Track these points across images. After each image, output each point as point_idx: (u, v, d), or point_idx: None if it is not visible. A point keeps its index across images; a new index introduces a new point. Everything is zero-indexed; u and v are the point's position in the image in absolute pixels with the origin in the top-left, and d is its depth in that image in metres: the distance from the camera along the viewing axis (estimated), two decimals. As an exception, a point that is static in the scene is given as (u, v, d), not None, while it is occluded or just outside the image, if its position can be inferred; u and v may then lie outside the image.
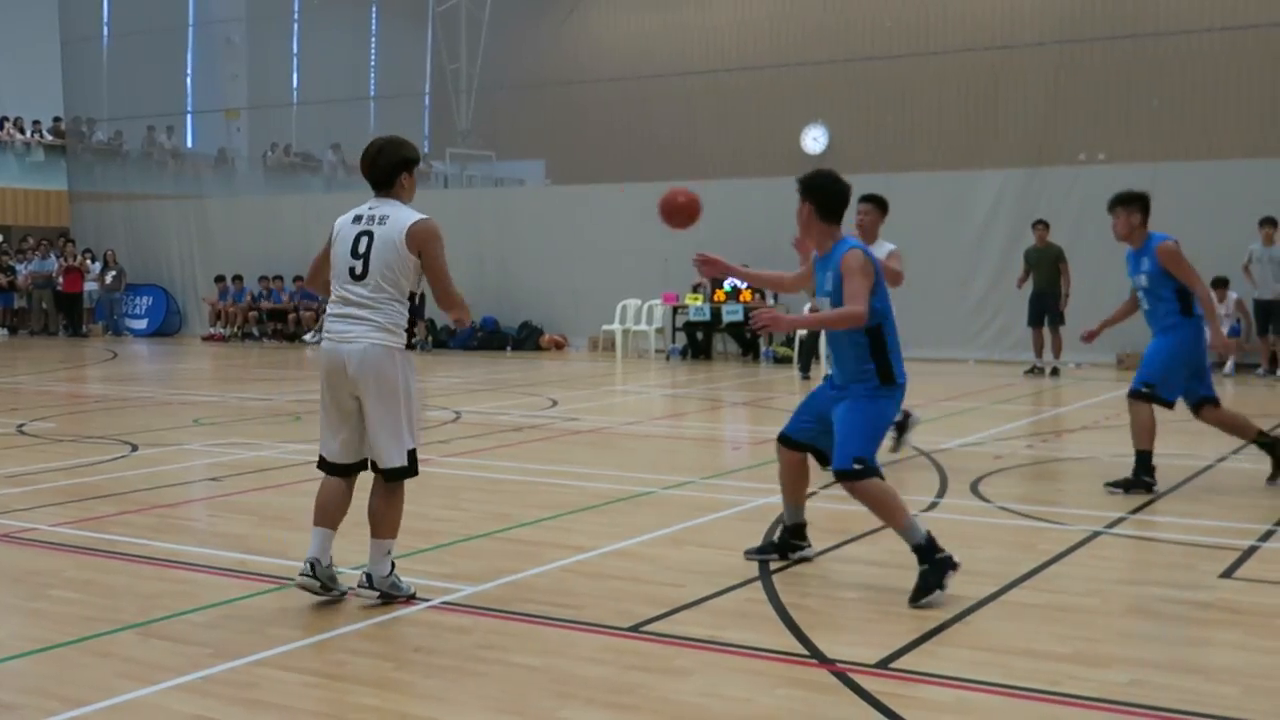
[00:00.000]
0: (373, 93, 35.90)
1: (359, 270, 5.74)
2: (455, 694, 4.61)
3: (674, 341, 21.95)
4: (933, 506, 8.18)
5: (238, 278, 26.48)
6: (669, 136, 30.16)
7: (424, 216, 5.85)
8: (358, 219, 5.87)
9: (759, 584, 6.13)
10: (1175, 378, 8.53)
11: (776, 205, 21.61)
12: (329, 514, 5.91)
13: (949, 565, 5.77)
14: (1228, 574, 6.37)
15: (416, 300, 5.92)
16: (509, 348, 23.33)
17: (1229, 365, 17.75)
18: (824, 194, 6.37)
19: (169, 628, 5.44)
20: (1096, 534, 7.28)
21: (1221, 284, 17.68)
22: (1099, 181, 18.81)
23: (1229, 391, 16.11)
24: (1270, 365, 17.38)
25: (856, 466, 6.00)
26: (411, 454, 5.85)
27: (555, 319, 23.52)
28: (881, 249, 10.47)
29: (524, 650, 5.13)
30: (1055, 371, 17.62)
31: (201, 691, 4.63)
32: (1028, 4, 28.00)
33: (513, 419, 12.94)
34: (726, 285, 21.07)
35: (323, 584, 5.68)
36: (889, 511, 5.99)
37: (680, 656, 5.03)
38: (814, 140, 31.08)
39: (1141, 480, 8.52)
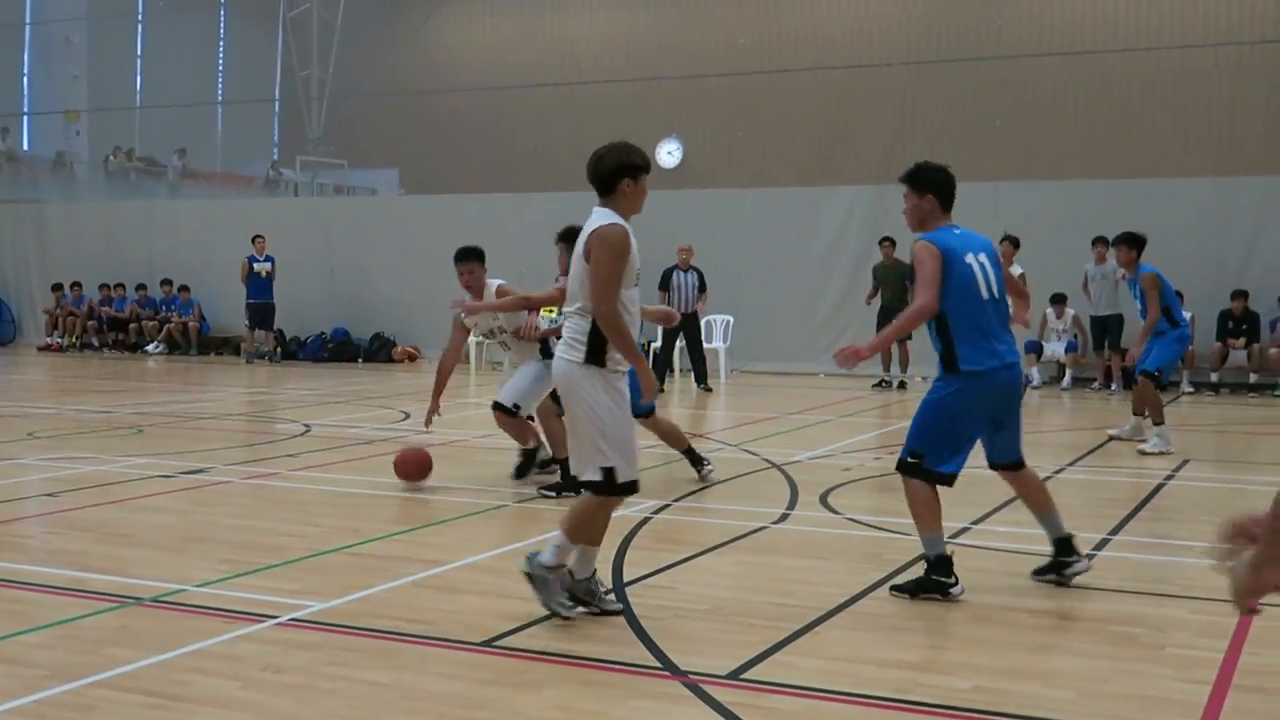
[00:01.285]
0: (220, 97, 35.22)
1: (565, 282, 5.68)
2: (304, 713, 4.54)
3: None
4: (784, 518, 8.29)
5: (76, 285, 25.65)
6: (525, 147, 30.17)
7: (610, 223, 5.55)
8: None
9: (611, 596, 6.15)
10: None
11: (635, 219, 21.76)
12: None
13: (944, 588, 6.00)
14: (1063, 582, 6.58)
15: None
16: (360, 359, 23.00)
17: (1067, 379, 18.35)
18: (947, 185, 6.41)
19: (2, 649, 5.25)
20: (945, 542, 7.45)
21: (1060, 300, 18.28)
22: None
23: (1066, 405, 16.68)
24: (1105, 380, 18.00)
25: (910, 460, 6.22)
26: (607, 472, 5.48)
27: (408, 330, 23.26)
28: None
29: (374, 666, 5.07)
30: (903, 385, 17.99)
31: (36, 715, 4.48)
32: (877, 26, 28.67)
33: (364, 432, 12.77)
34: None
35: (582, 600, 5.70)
36: (918, 516, 6.17)
37: (533, 670, 5.02)
38: (669, 154, 31.39)
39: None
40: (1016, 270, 15.18)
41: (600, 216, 5.57)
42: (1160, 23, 26.51)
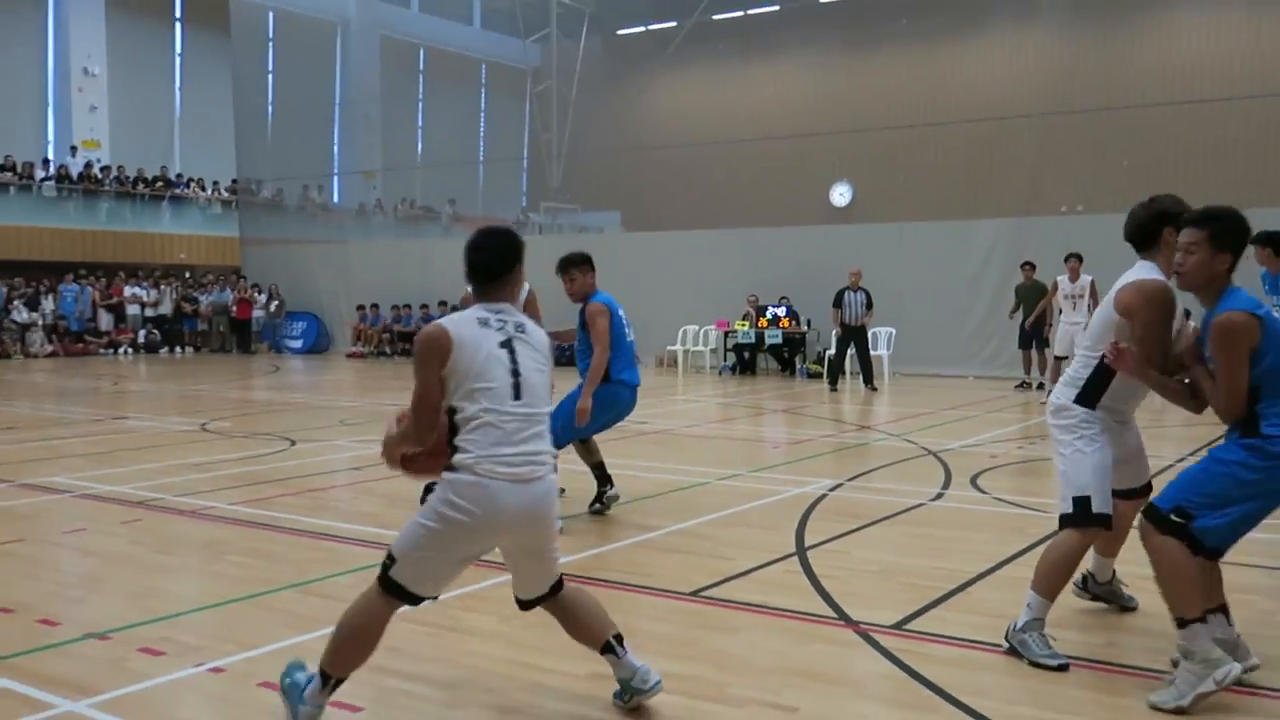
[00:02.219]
0: (481, 157, 36.30)
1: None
2: (550, 644, 4.64)
3: (725, 360, 21.91)
4: (939, 496, 8.10)
5: (374, 306, 26.83)
6: (720, 192, 30.22)
7: (1137, 284, 4.36)
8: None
9: (795, 559, 6.12)
10: None
11: (811, 248, 21.66)
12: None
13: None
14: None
15: None
16: (590, 364, 23.37)
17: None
18: (1241, 245, 4.18)
19: (321, 587, 5.53)
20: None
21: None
22: (1077, 228, 18.60)
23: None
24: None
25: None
26: (1080, 502, 4.42)
27: (627, 340, 23.51)
28: None
29: (606, 610, 5.15)
30: (1040, 386, 17.36)
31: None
32: (1017, 84, 27.75)
33: (594, 422, 13.00)
34: (768, 314, 21.00)
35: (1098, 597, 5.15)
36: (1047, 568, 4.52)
37: (731, 617, 5.04)
38: (840, 195, 30.98)
39: None
40: (1087, 279, 14.75)
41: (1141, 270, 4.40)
42: (1272, 70, 24.93)
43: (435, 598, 3.90)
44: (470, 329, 3.72)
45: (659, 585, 5.55)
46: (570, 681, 4.24)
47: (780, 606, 5.15)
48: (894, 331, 19.18)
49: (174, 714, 3.93)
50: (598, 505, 7.48)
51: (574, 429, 7.24)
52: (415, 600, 3.76)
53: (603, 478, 7.54)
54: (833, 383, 17.90)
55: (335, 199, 33.59)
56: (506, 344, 3.71)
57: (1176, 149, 25.52)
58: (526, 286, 7.63)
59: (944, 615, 5.06)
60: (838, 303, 17.53)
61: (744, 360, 21.49)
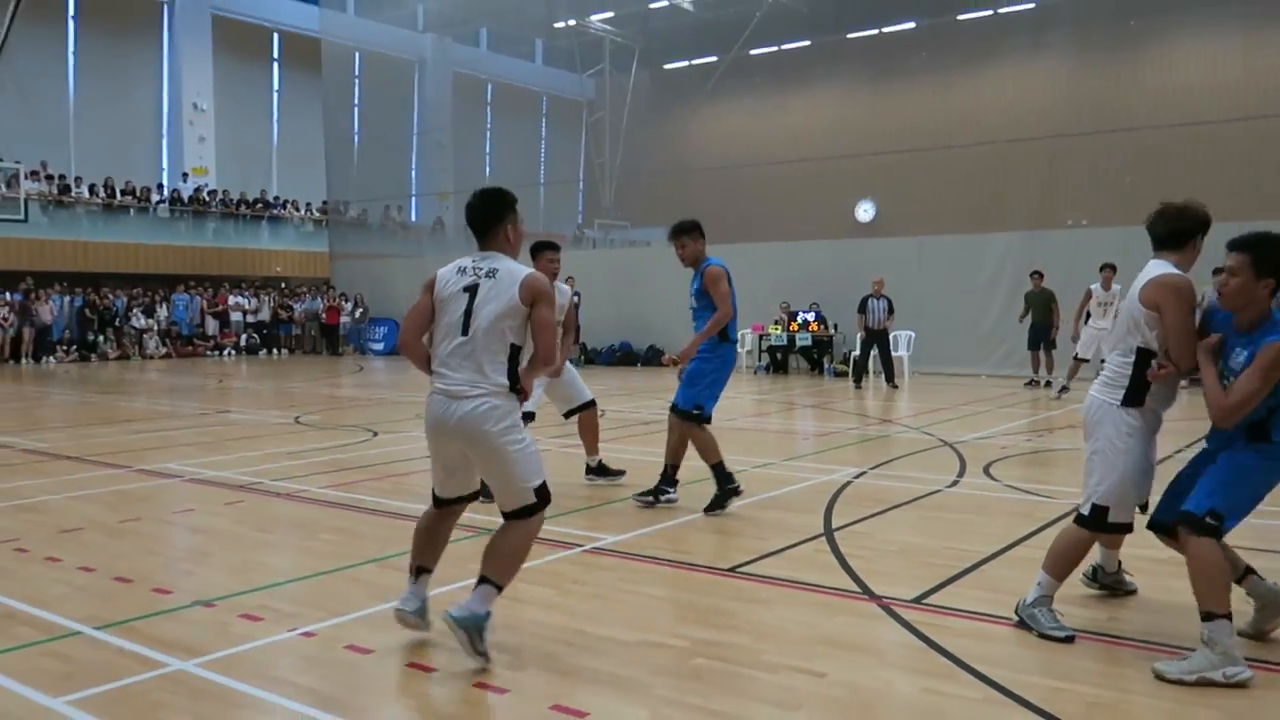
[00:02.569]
0: (542, 179, 36.49)
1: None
2: (603, 614, 4.66)
3: (760, 360, 21.83)
4: (954, 484, 8.01)
5: (446, 312, 27.07)
6: (756, 209, 30.12)
7: (1162, 279, 4.24)
8: None
9: (824, 539, 6.07)
10: None
11: (838, 259, 21.52)
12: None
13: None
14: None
15: None
16: (638, 364, 23.44)
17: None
18: None
19: (399, 561, 5.55)
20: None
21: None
22: (1082, 241, 18.32)
23: (1183, 399, 15.52)
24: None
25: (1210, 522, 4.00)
26: (1097, 510, 4.28)
27: (673, 343, 23.54)
28: None
29: (652, 584, 5.16)
30: (1048, 384, 17.11)
31: (422, 608, 4.74)
32: (1026, 109, 27.39)
33: (642, 415, 13.00)
34: (798, 319, 20.89)
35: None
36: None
37: (765, 591, 5.01)
38: (864, 212, 30.71)
39: None
40: (1118, 287, 14.25)
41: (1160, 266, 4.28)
42: (1267, 95, 24.39)
43: (443, 499, 4.29)
44: (449, 271, 4.16)
45: (701, 562, 5.54)
46: (621, 648, 4.23)
47: (810, 582, 5.12)
48: (913, 334, 19.00)
49: (271, 672, 3.98)
50: (717, 508, 6.81)
51: (710, 393, 7.06)
52: (435, 500, 4.32)
53: (724, 476, 6.87)
54: (857, 381, 17.77)
55: (413, 217, 33.92)
56: (471, 288, 4.03)
57: (1174, 168, 25.01)
58: (566, 290, 8.01)
59: (959, 591, 5.00)
60: (862, 308, 17.40)
61: (777, 360, 21.40)
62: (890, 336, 17.85)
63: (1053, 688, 3.75)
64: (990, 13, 28.38)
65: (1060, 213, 24.46)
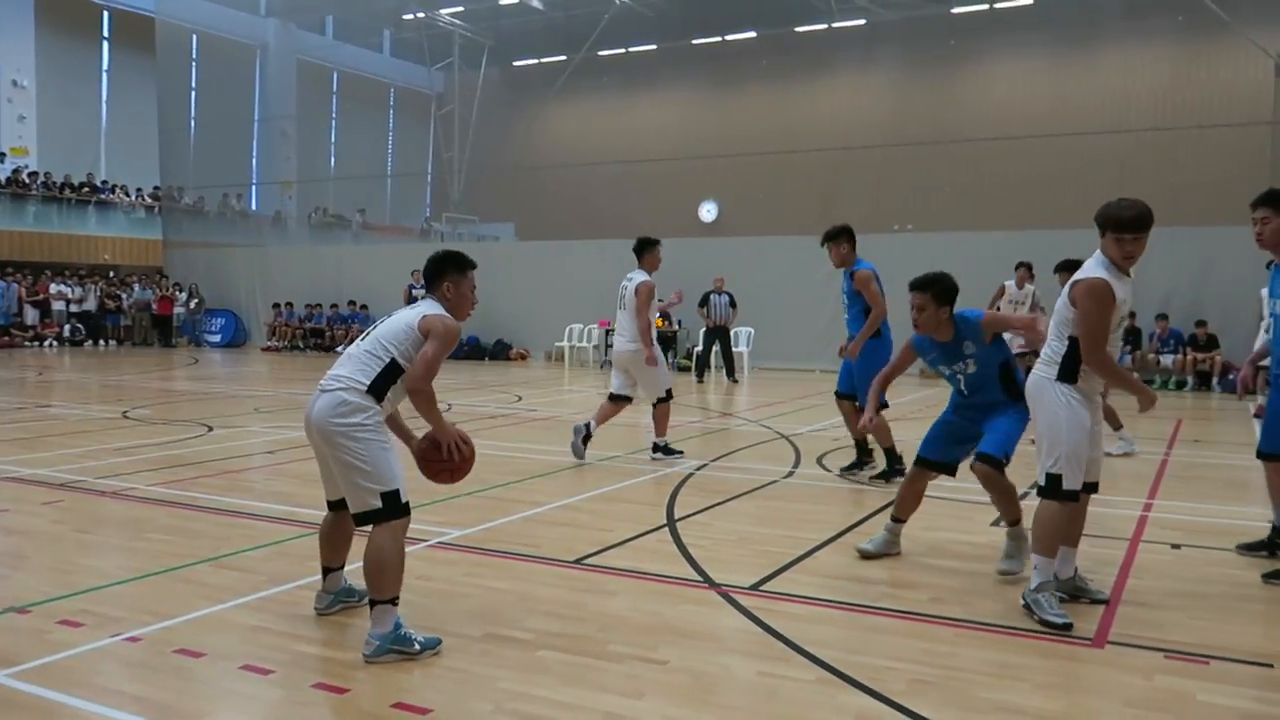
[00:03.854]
0: (389, 171, 35.59)
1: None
2: (448, 609, 4.57)
3: (606, 355, 21.93)
4: (790, 474, 8.23)
5: (289, 304, 26.02)
6: (604, 206, 30.25)
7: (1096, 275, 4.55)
8: None
9: (666, 530, 6.14)
10: None
11: (680, 258, 21.72)
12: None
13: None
14: (997, 523, 6.47)
15: None
16: (486, 358, 23.16)
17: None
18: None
19: (235, 561, 5.33)
20: (905, 494, 7.36)
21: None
22: (909, 245, 19.15)
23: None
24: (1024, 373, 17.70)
25: None
26: (1052, 479, 4.50)
27: (521, 337, 23.42)
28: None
29: (497, 577, 5.09)
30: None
31: (259, 608, 4.55)
32: (860, 119, 28.51)
33: (489, 409, 12.85)
34: (645, 315, 21.09)
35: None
36: None
37: (610, 582, 5.02)
38: (708, 211, 31.32)
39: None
40: (1030, 288, 14.31)
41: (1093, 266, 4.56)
42: (1068, 116, 26.12)
43: (329, 500, 4.36)
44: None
45: (547, 554, 5.50)
46: (466, 643, 4.15)
47: (653, 572, 5.16)
48: (753, 331, 19.46)
49: (93, 681, 3.73)
50: (875, 476, 7.83)
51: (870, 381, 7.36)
52: (328, 503, 4.42)
53: (894, 458, 7.76)
54: (699, 376, 18.07)
55: (253, 206, 32.48)
56: (386, 316, 4.29)
57: (991, 178, 26.53)
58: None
59: (793, 577, 5.14)
60: (704, 304, 17.70)
61: (623, 355, 21.53)
62: (731, 333, 18.22)
63: (880, 667, 3.90)
64: (825, 26, 29.35)
65: (888, 218, 25.53)
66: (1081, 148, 25.23)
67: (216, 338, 27.18)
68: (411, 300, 22.14)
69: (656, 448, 8.88)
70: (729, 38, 31.05)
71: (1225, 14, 21.28)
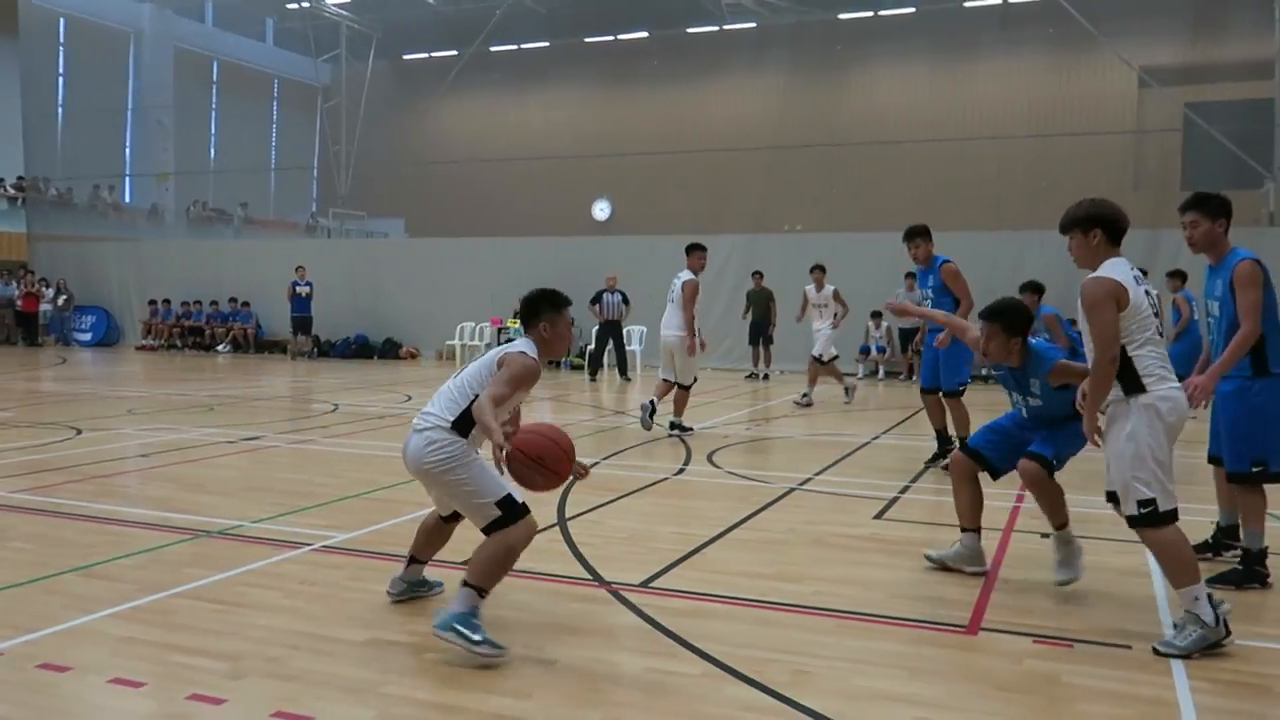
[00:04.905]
0: (273, 164, 34.54)
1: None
2: (332, 615, 4.47)
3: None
4: (681, 471, 8.31)
5: (166, 301, 25.04)
6: (496, 204, 30.02)
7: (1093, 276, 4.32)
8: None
9: (557, 529, 6.13)
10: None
11: (574, 256, 21.78)
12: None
13: (1264, 578, 5.06)
14: (879, 515, 6.68)
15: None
16: (376, 357, 22.72)
17: (880, 372, 18.61)
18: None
19: (105, 570, 5.11)
20: (792, 490, 7.52)
21: (877, 315, 18.54)
22: (798, 245, 19.56)
23: (879, 391, 16.94)
24: (909, 373, 18.32)
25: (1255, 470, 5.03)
26: (1147, 504, 4.22)
27: (411, 335, 23.05)
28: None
29: (384, 580, 4.99)
30: (766, 377, 18.16)
31: (130, 619, 4.37)
32: (750, 121, 28.96)
33: (378, 409, 12.62)
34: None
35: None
36: (1261, 519, 5.07)
37: (504, 583, 4.97)
38: (601, 210, 31.34)
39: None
40: (830, 289, 14.67)
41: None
42: (948, 122, 27.03)
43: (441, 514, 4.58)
44: None
45: (435, 556, 5.41)
46: (349, 649, 4.08)
47: (544, 571, 5.14)
48: (645, 329, 19.57)
49: (-55, 699, 3.52)
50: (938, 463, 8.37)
51: (966, 372, 8.40)
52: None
53: (944, 440, 8.49)
54: (592, 374, 18.09)
55: (127, 198, 31.07)
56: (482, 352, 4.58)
57: (874, 181, 27.28)
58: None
59: (682, 573, 5.19)
60: (596, 300, 17.74)
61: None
62: (624, 331, 18.29)
63: (764, 659, 3.97)
64: (716, 28, 29.69)
65: (778, 218, 26.01)
66: (961, 153, 26.16)
67: (87, 336, 25.96)
68: (295, 298, 21.73)
69: (674, 425, 10.23)
70: (621, 37, 31.15)
71: (1093, 28, 22.33)
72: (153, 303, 25.10)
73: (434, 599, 4.69)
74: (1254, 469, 4.99)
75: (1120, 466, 4.21)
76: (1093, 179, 26.07)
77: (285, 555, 5.42)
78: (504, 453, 3.90)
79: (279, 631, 4.23)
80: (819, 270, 15.01)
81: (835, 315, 14.56)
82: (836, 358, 14.19)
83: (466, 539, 4.71)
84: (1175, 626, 4.26)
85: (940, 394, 8.54)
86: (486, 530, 4.12)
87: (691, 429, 10.42)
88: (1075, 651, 4.14)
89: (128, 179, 31.24)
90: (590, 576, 5.10)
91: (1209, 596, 4.13)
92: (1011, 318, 5.01)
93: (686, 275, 10.84)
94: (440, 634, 3.95)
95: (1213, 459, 5.43)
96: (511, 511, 4.09)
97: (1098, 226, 4.34)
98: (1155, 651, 4.11)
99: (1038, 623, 4.47)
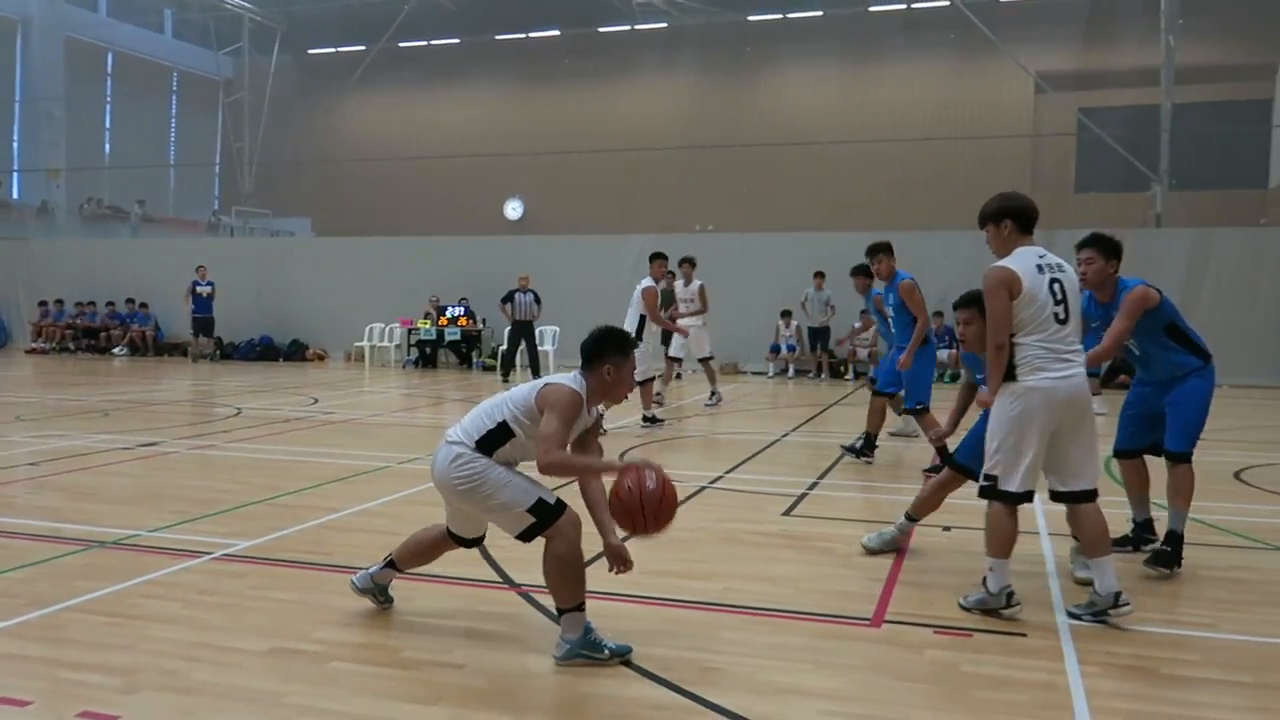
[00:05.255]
0: (172, 160, 33.46)
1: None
2: (233, 624, 4.36)
3: (408, 354, 21.46)
4: (593, 472, 8.29)
5: (58, 301, 24.04)
6: (406, 203, 29.66)
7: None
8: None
9: (467, 531, 6.07)
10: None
11: (485, 255, 21.60)
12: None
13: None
14: (787, 512, 6.78)
15: None
16: (281, 359, 22.18)
17: (790, 370, 18.88)
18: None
19: (-12, 584, 4.89)
20: (702, 488, 7.59)
21: (786, 314, 18.81)
22: (710, 244, 19.70)
23: (789, 389, 17.20)
24: (817, 371, 18.62)
25: (1189, 451, 5.39)
26: (989, 479, 4.59)
27: (318, 337, 22.56)
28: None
29: (288, 588, 4.91)
30: (679, 376, 18.24)
31: (18, 635, 4.19)
32: (661, 121, 29.13)
33: (283, 413, 12.33)
34: (448, 313, 20.78)
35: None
36: (1188, 499, 5.38)
37: (411, 588, 4.91)
38: (513, 210, 31.17)
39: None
40: (697, 284, 14.26)
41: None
42: (855, 123, 27.59)
43: (449, 530, 4.46)
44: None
45: (341, 562, 5.33)
46: (252, 659, 3.98)
47: (453, 575, 5.09)
48: (558, 329, 19.51)
49: None
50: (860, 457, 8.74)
51: (927, 390, 8.43)
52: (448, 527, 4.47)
53: (944, 452, 8.02)
54: (504, 374, 17.96)
55: (15, 195, 29.74)
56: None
57: (784, 181, 27.71)
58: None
59: (592, 573, 5.07)
60: (508, 300, 17.60)
61: (426, 355, 21.15)
62: (536, 331, 18.20)
63: (673, 657, 4.01)
64: (628, 27, 29.77)
65: (689, 218, 26.19)
66: (867, 154, 26.74)
67: (-27, 339, 24.80)
68: (196, 298, 21.09)
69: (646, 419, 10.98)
70: (533, 35, 31.01)
71: (992, 34, 23.04)
72: (43, 304, 24.09)
73: (379, 612, 4.57)
74: (1190, 449, 5.35)
75: (986, 442, 4.61)
76: (993, 181, 26.84)
77: (184, 564, 5.27)
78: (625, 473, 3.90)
79: (177, 643, 4.11)
80: (688, 264, 14.48)
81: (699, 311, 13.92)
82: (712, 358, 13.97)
83: (457, 558, 4.63)
84: (1069, 614, 4.58)
85: (889, 400, 8.88)
86: (523, 537, 4.05)
87: (662, 421, 11.22)
88: (974, 640, 4.27)
89: (15, 174, 29.92)
90: (500, 579, 5.07)
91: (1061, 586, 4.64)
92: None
93: (648, 282, 11.53)
94: (567, 662, 3.94)
95: (1120, 453, 5.66)
96: (545, 515, 4.00)
97: (1007, 217, 4.60)
98: (959, 605, 4.66)
99: (939, 614, 4.60)
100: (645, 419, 11.12)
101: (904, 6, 27.46)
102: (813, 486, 7.75)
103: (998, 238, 4.62)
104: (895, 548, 5.63)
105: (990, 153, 26.38)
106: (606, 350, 4.20)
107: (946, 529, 6.29)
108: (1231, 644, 4.30)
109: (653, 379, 11.53)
